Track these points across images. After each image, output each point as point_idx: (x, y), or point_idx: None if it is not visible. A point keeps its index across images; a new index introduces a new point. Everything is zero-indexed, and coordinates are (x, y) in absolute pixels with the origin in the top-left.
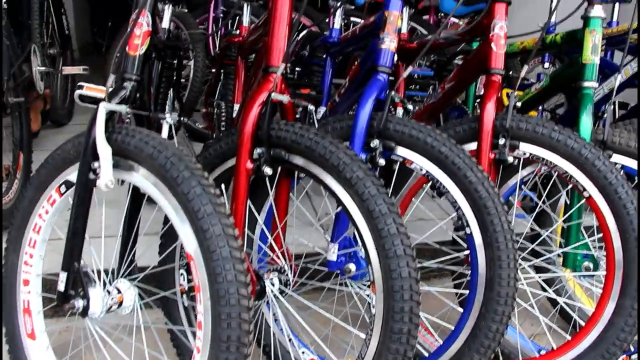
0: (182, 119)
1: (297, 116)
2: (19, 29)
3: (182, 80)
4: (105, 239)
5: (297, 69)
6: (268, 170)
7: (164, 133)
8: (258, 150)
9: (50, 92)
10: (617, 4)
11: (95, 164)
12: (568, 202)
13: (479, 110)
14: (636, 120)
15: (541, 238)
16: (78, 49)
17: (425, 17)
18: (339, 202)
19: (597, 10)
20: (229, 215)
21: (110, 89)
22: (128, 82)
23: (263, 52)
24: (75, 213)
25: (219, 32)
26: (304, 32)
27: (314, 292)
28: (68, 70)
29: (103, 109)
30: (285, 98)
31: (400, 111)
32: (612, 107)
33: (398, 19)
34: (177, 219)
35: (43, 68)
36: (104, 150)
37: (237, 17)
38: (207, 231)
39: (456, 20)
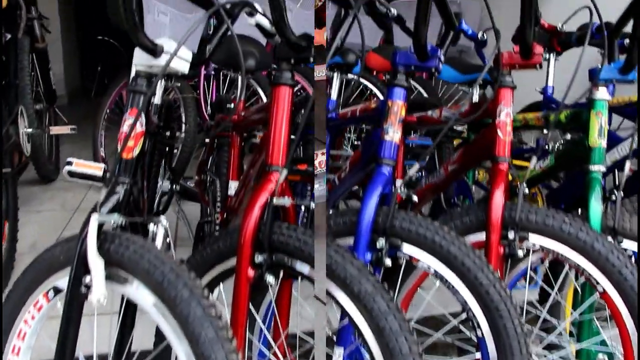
0: (174, 186)
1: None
2: (6, 90)
3: (175, 150)
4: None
5: (292, 136)
6: (271, 280)
7: (159, 239)
8: (259, 257)
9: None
10: None
11: (87, 278)
12: (580, 292)
13: (478, 175)
14: None
15: (557, 331)
16: (67, 94)
17: None
18: (345, 313)
19: (602, 93)
20: (231, 339)
21: (102, 198)
22: (120, 187)
23: (263, 145)
24: (64, 331)
25: (211, 92)
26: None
27: None
28: (56, 130)
29: (95, 221)
30: (287, 201)
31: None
32: (621, 192)
33: (402, 109)
34: (175, 340)
35: (30, 130)
36: (96, 265)
37: (229, 77)
38: (210, 357)
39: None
